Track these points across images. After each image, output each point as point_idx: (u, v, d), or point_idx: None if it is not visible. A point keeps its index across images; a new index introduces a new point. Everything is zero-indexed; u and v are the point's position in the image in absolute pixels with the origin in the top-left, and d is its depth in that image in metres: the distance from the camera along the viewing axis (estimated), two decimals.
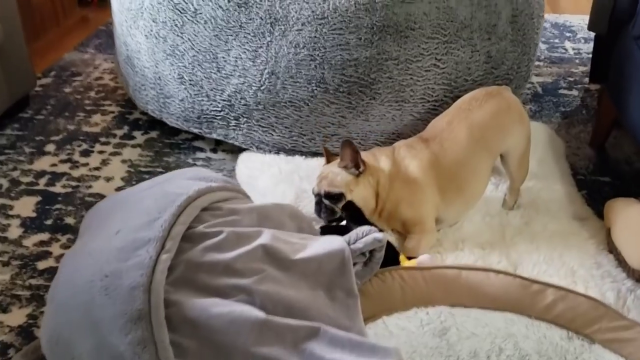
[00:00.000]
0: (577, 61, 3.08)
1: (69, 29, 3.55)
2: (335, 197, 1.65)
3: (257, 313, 1.08)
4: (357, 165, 1.67)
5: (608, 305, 1.25)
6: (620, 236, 1.66)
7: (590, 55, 2.96)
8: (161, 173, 2.22)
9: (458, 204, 1.78)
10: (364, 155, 1.73)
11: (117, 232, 1.19)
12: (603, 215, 1.85)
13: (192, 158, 2.31)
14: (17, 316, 1.65)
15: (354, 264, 1.24)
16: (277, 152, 2.14)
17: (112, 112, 2.63)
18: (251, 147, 2.16)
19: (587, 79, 2.88)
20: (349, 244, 1.25)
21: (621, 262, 1.64)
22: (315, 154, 2.15)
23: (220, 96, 2.08)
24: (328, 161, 1.80)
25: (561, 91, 2.77)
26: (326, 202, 1.67)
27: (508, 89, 1.90)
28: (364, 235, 1.27)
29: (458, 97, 2.02)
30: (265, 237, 1.21)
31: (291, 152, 2.14)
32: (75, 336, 1.11)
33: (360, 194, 1.67)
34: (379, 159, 1.75)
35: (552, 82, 2.86)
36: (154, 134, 2.46)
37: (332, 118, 2.02)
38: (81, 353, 1.08)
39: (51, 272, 1.80)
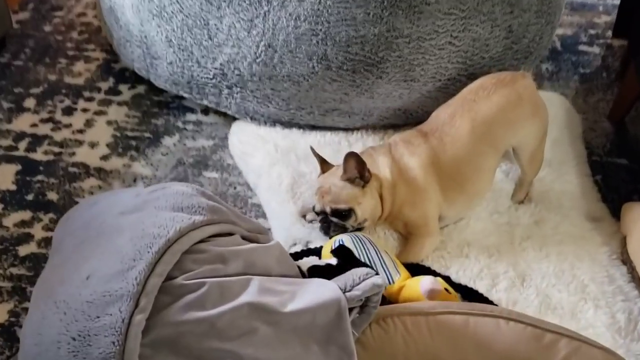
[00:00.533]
0: (600, 8, 2.83)
1: None
2: (344, 214, 1.53)
3: None
4: (363, 177, 1.53)
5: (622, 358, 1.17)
6: (637, 249, 1.56)
7: (617, 2, 2.73)
8: (149, 138, 2.09)
9: (461, 202, 1.66)
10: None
11: (87, 277, 1.08)
12: (618, 211, 1.74)
13: (182, 121, 2.15)
14: None
15: (350, 310, 1.14)
16: (273, 124, 1.99)
17: (97, 59, 2.43)
18: (245, 117, 2.01)
19: (610, 33, 2.66)
20: (344, 291, 1.14)
21: (635, 278, 1.56)
22: (313, 128, 1.99)
23: (212, 64, 1.89)
24: (323, 170, 1.66)
25: (581, 47, 2.57)
26: (334, 219, 1.54)
27: (525, 75, 1.70)
28: (361, 281, 1.15)
29: (473, 75, 1.85)
30: (252, 290, 1.09)
31: (288, 124, 1.98)
32: None
33: (369, 205, 1.55)
34: (377, 159, 1.61)
35: (572, 34, 2.64)
36: (141, 88, 2.28)
37: (333, 94, 1.85)
38: None
39: (33, 260, 1.71)
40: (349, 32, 1.71)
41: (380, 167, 1.60)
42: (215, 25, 1.81)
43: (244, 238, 1.28)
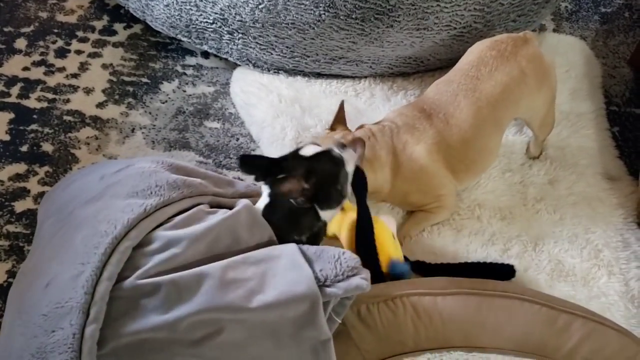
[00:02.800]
0: None
1: None
2: None
3: None
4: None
5: (638, 340, 1.14)
6: None
7: None
8: (147, 84, 2.00)
9: (468, 179, 1.59)
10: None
11: (47, 284, 1.04)
12: (634, 169, 1.68)
13: (181, 65, 2.05)
14: None
15: (326, 303, 1.05)
16: (277, 72, 1.89)
17: None
18: (247, 64, 1.90)
19: None
20: (323, 283, 1.04)
21: None
22: (319, 75, 1.89)
23: (211, 8, 1.77)
24: (332, 129, 1.55)
25: None
26: None
27: (527, 39, 1.55)
28: (344, 277, 1.04)
29: (490, 23, 1.73)
30: (212, 286, 1.01)
31: (292, 72, 1.88)
32: None
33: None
34: (375, 147, 1.48)
35: None
36: (137, 28, 2.16)
37: (340, 43, 1.74)
38: None
39: (29, 217, 1.67)
40: None
41: (380, 156, 1.49)
42: None
43: (216, 206, 1.20)
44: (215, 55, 2.03)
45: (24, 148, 1.82)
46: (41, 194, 1.71)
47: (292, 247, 1.10)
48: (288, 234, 1.20)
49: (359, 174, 1.30)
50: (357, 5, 1.62)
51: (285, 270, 1.06)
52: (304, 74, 1.89)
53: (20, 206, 1.69)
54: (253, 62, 1.88)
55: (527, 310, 1.13)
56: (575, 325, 1.13)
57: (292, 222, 1.22)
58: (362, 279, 1.06)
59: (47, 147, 1.83)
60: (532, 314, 1.13)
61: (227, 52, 1.89)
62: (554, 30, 2.16)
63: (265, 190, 1.24)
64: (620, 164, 1.74)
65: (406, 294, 1.13)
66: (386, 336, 1.10)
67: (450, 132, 1.49)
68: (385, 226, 1.29)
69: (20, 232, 1.64)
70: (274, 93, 1.84)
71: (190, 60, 2.06)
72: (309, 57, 1.81)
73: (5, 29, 2.16)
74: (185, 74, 2.03)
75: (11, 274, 1.56)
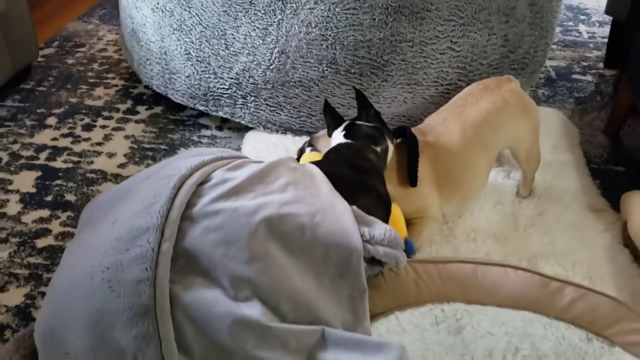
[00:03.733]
0: (591, 45, 3.00)
1: None
2: None
3: (259, 319, 1.04)
4: None
5: (629, 306, 1.20)
6: (638, 229, 1.61)
7: (606, 40, 2.89)
8: (165, 150, 2.18)
9: (456, 200, 1.71)
10: None
11: (113, 222, 1.15)
12: (618, 207, 1.81)
13: (197, 135, 2.26)
14: (14, 296, 1.61)
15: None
16: (285, 132, 2.09)
17: (116, 85, 2.57)
18: (258, 126, 2.11)
19: (601, 64, 2.81)
20: (368, 240, 1.16)
21: (638, 257, 1.60)
22: None
23: (227, 74, 2.02)
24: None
25: (575, 76, 2.71)
26: None
27: (511, 79, 1.80)
28: (388, 244, 1.17)
29: (472, 81, 1.96)
30: (265, 214, 1.13)
31: (299, 132, 2.08)
32: (71, 329, 1.06)
33: None
34: None
35: (565, 66, 2.79)
36: (158, 109, 2.40)
37: (342, 99, 1.96)
38: (76, 348, 1.04)
39: (50, 251, 1.76)
40: (357, 36, 1.84)
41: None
42: (232, 34, 1.94)
43: None
44: (228, 128, 2.25)
45: (49, 198, 1.96)
46: (62, 233, 1.83)
47: (347, 204, 1.24)
48: (369, 144, 1.51)
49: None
50: (355, 61, 1.87)
51: (336, 217, 1.18)
52: (309, 133, 2.08)
53: (41, 243, 1.79)
54: (263, 124, 2.09)
55: (520, 276, 1.21)
56: (567, 289, 1.21)
57: (370, 136, 1.53)
58: (402, 254, 1.19)
59: (70, 197, 1.97)
60: (526, 279, 1.21)
61: (240, 116, 2.11)
62: None
63: (337, 135, 1.58)
64: (603, 200, 1.88)
65: (408, 261, 1.22)
66: (390, 292, 1.17)
67: (439, 146, 1.66)
68: (397, 208, 1.41)
69: (40, 263, 1.73)
70: (282, 147, 2.03)
71: (206, 132, 2.27)
72: (313, 116, 2.03)
73: (38, 110, 2.40)
74: (200, 142, 2.23)
75: (29, 296, 1.63)
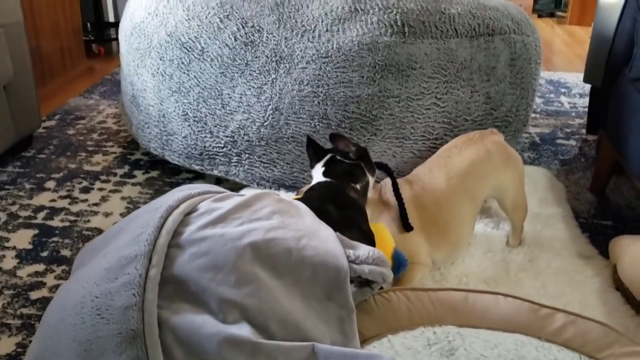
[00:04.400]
0: (573, 114, 3.13)
1: (76, 77, 3.63)
2: None
3: (248, 336, 1.04)
4: None
5: (620, 332, 1.21)
6: (628, 271, 1.64)
7: (586, 109, 3.02)
8: None
9: (444, 247, 1.73)
10: None
11: (104, 254, 1.18)
12: (607, 254, 1.84)
13: None
14: (6, 345, 1.60)
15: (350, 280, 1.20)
16: (278, 188, 2.14)
17: (114, 152, 2.65)
18: (252, 183, 2.16)
19: (584, 130, 2.92)
20: (353, 261, 1.21)
21: (629, 298, 1.62)
22: None
23: (223, 132, 2.09)
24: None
25: (559, 141, 2.81)
26: None
27: (495, 132, 1.88)
28: (373, 262, 1.22)
29: (458, 135, 2.04)
30: (252, 239, 1.16)
31: (291, 188, 2.13)
32: (62, 359, 1.07)
33: None
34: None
35: (549, 132, 2.90)
36: (154, 173, 2.47)
37: None
38: None
39: (44, 302, 1.76)
40: (346, 92, 1.94)
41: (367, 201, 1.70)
42: (229, 94, 2.04)
43: None
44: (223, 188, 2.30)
45: (44, 253, 1.98)
46: (57, 286, 1.83)
47: (331, 230, 1.27)
48: (347, 182, 1.55)
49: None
50: (345, 116, 1.95)
51: (321, 241, 1.21)
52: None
53: (35, 294, 1.79)
54: (257, 180, 2.15)
55: (510, 303, 1.22)
56: (557, 315, 1.22)
57: (348, 174, 1.58)
58: (388, 271, 1.22)
59: (65, 252, 1.99)
60: (516, 304, 1.22)
61: (235, 174, 2.17)
62: None
63: (317, 171, 1.62)
64: (591, 247, 1.90)
65: (398, 289, 1.24)
66: (382, 317, 1.18)
67: (426, 196, 1.70)
68: (384, 225, 1.44)
69: (33, 313, 1.72)
70: None
71: None
72: (306, 171, 2.09)
73: (38, 175, 2.46)
74: None
75: (20, 345, 1.61)
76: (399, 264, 1.39)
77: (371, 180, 1.64)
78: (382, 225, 1.50)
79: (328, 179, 1.57)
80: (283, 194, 2.13)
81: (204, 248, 1.14)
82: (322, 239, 1.21)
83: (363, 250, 1.22)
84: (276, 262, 1.14)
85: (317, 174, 1.62)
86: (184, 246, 1.15)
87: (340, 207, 1.45)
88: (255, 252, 1.14)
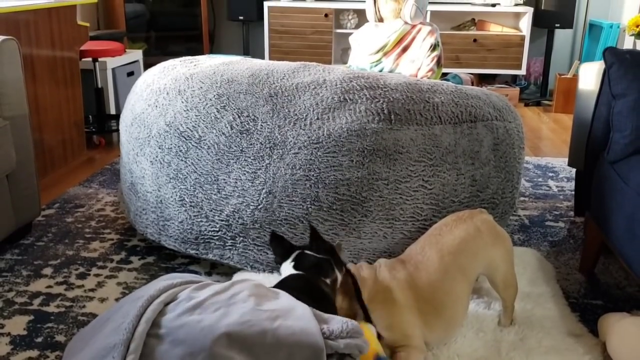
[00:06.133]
0: (561, 197, 3.21)
1: (76, 168, 3.73)
2: None
3: None
4: None
5: None
6: (617, 349, 1.65)
7: (573, 192, 3.11)
8: None
9: (439, 327, 1.75)
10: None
11: (92, 344, 1.22)
12: (597, 333, 1.85)
13: None
14: None
15: (328, 356, 1.21)
16: (271, 271, 2.17)
17: (111, 239, 2.69)
18: (246, 266, 2.20)
19: (572, 213, 2.98)
20: (329, 337, 1.21)
21: None
22: None
23: (219, 216, 2.15)
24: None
25: (548, 223, 2.87)
26: None
27: (483, 212, 1.95)
28: (347, 335, 1.24)
29: (445, 216, 2.10)
30: (232, 317, 1.19)
31: None
32: None
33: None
34: (362, 273, 1.76)
35: (538, 215, 2.97)
36: (150, 259, 2.50)
37: (325, 235, 2.08)
38: None
39: None
40: (337, 176, 2.02)
41: (362, 282, 1.74)
42: (224, 179, 2.12)
43: None
44: (218, 274, 2.34)
45: (39, 339, 1.98)
46: None
47: (305, 306, 1.30)
48: (318, 275, 1.59)
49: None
50: (336, 198, 2.02)
51: (296, 319, 1.24)
52: None
53: None
54: (251, 264, 2.19)
55: None
56: None
57: (319, 268, 1.63)
58: (363, 342, 1.23)
59: (60, 337, 1.99)
60: None
61: (229, 257, 2.21)
62: None
63: (287, 265, 1.66)
64: (581, 326, 1.92)
65: None
66: None
67: (419, 275, 1.74)
68: (370, 327, 1.46)
69: None
70: (268, 284, 2.10)
71: None
72: None
73: (35, 262, 2.49)
74: None
75: None
76: None
77: (339, 277, 1.68)
78: (367, 327, 1.53)
79: (299, 272, 1.62)
80: (276, 277, 2.16)
81: (181, 336, 1.18)
82: (297, 317, 1.25)
83: (337, 324, 1.25)
84: (252, 345, 1.17)
85: (287, 268, 1.67)
86: (163, 336, 1.19)
87: (313, 300, 1.47)
88: (231, 336, 1.17)
